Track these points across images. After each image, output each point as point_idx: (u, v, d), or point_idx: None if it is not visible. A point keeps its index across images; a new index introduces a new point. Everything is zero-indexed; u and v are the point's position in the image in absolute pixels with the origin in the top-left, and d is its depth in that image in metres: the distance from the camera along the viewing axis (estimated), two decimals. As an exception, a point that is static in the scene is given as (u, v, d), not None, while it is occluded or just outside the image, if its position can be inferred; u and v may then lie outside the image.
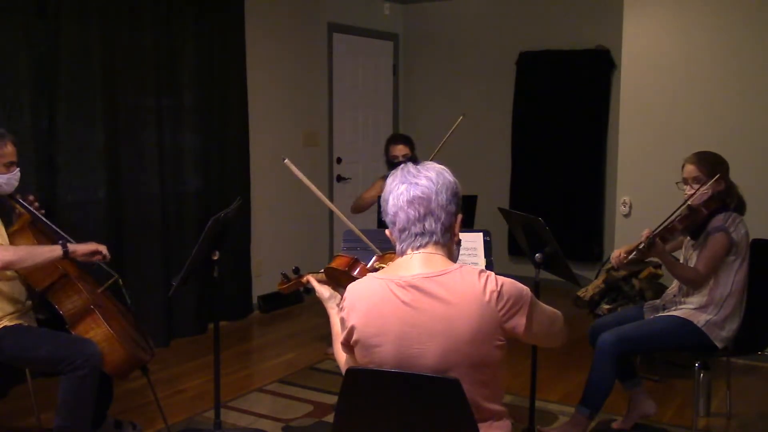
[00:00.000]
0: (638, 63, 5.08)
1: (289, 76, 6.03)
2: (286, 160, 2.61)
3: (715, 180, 3.29)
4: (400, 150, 4.66)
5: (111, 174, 4.60)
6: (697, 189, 3.30)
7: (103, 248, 3.13)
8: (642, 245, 3.23)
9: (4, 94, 4.06)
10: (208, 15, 5.16)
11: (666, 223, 3.30)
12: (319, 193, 2.60)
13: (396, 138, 4.83)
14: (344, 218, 2.64)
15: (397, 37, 7.31)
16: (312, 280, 2.26)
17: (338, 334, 2.08)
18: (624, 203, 5.19)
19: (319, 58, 6.36)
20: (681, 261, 3.52)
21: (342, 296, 2.15)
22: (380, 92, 7.19)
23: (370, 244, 2.54)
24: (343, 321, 1.90)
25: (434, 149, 4.65)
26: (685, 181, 3.40)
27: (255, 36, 5.59)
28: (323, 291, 2.21)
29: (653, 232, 3.26)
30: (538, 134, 6.60)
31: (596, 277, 4.98)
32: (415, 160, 4.59)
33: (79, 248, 3.06)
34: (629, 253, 3.33)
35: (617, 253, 3.42)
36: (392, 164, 4.58)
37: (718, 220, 3.31)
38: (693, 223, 3.35)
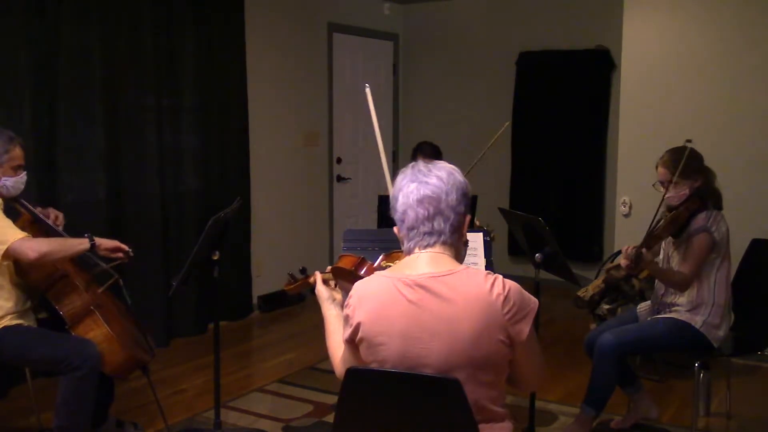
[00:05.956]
0: (638, 63, 5.09)
1: (289, 76, 6.03)
2: (367, 88, 2.69)
3: (691, 179, 3.27)
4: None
5: (111, 174, 4.60)
6: (666, 189, 3.28)
7: (125, 247, 3.18)
8: (628, 263, 3.21)
9: (4, 94, 4.06)
10: (208, 15, 5.16)
11: (650, 231, 3.25)
12: (379, 138, 2.69)
13: (424, 148, 4.44)
14: (389, 179, 2.67)
15: (397, 37, 7.31)
16: (318, 278, 2.24)
17: (331, 333, 2.09)
18: (624, 203, 5.19)
19: (319, 58, 6.36)
20: (661, 257, 3.51)
21: (341, 297, 2.16)
22: (380, 92, 7.19)
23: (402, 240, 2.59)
24: (348, 318, 1.87)
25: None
26: (662, 183, 3.38)
27: (255, 36, 5.59)
28: (323, 290, 2.20)
29: (637, 246, 3.20)
30: (538, 134, 6.60)
31: (596, 277, 4.98)
32: None
33: (104, 243, 3.13)
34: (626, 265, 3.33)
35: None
36: None
37: (700, 220, 3.29)
38: (677, 228, 3.33)
